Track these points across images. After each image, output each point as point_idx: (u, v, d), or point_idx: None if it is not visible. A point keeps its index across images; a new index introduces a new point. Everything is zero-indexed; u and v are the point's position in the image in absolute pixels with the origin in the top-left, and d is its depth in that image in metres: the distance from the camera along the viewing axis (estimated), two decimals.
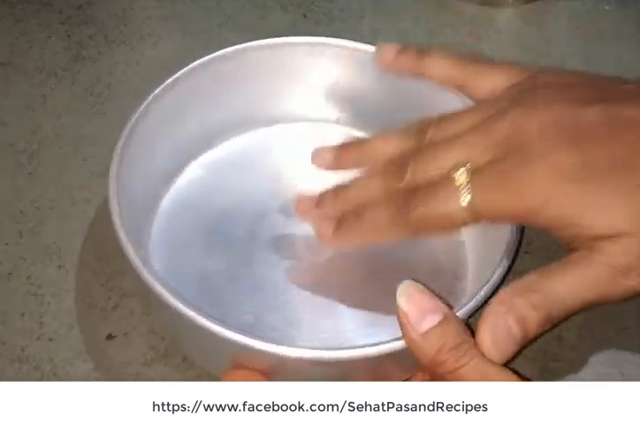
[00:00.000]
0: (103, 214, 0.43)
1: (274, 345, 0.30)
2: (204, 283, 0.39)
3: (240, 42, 0.50)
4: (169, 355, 0.39)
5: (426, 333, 0.29)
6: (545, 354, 0.39)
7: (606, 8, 0.53)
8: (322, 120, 0.45)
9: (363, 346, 0.31)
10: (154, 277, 0.32)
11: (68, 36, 0.51)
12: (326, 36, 0.42)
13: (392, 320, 0.37)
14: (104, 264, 0.42)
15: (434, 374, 0.29)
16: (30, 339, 0.39)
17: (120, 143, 0.36)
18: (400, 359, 0.32)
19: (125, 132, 0.37)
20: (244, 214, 0.41)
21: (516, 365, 0.39)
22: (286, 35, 0.42)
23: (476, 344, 0.29)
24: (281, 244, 0.40)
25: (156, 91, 0.39)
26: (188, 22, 0.52)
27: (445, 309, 0.29)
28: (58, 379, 0.38)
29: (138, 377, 0.38)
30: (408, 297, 0.29)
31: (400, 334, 0.30)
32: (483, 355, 0.29)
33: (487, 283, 0.33)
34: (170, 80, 0.39)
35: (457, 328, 0.29)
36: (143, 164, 0.38)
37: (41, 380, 0.38)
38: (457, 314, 0.31)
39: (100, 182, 0.45)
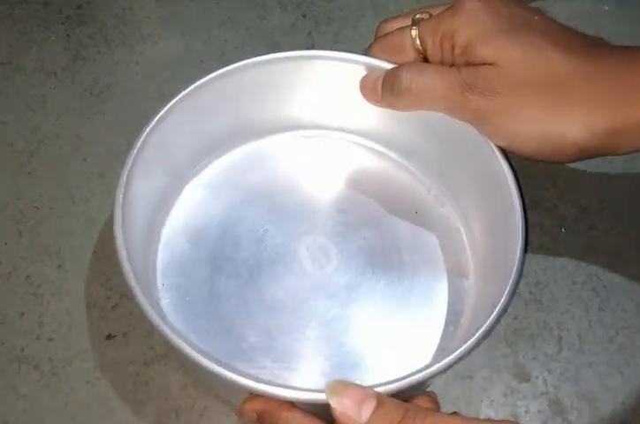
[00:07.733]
0: (103, 214, 0.44)
1: (289, 390, 0.30)
2: (214, 309, 0.39)
3: (240, 41, 0.51)
4: (168, 355, 0.39)
5: (369, 421, 0.29)
6: (546, 354, 0.40)
7: (606, 8, 0.53)
8: (320, 127, 0.44)
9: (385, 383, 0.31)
10: (174, 332, 0.31)
11: (68, 36, 0.51)
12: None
13: (405, 335, 0.39)
14: (104, 264, 0.42)
15: None
16: (29, 339, 0.39)
17: (125, 173, 0.35)
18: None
19: (130, 161, 0.35)
20: (244, 233, 0.41)
21: (518, 364, 0.39)
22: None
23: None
24: (285, 261, 0.40)
25: (161, 113, 0.37)
26: (188, 22, 0.52)
27: (374, 393, 0.29)
28: (58, 379, 0.38)
29: (137, 377, 0.38)
30: (340, 395, 0.29)
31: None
32: (433, 413, 0.29)
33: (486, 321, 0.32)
34: (170, 104, 0.37)
35: (393, 403, 0.29)
36: (143, 191, 0.37)
37: (40, 380, 0.38)
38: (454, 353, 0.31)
39: (100, 182, 0.45)
